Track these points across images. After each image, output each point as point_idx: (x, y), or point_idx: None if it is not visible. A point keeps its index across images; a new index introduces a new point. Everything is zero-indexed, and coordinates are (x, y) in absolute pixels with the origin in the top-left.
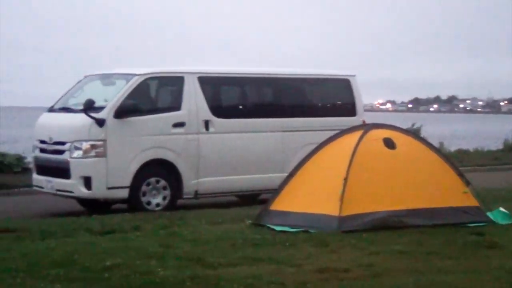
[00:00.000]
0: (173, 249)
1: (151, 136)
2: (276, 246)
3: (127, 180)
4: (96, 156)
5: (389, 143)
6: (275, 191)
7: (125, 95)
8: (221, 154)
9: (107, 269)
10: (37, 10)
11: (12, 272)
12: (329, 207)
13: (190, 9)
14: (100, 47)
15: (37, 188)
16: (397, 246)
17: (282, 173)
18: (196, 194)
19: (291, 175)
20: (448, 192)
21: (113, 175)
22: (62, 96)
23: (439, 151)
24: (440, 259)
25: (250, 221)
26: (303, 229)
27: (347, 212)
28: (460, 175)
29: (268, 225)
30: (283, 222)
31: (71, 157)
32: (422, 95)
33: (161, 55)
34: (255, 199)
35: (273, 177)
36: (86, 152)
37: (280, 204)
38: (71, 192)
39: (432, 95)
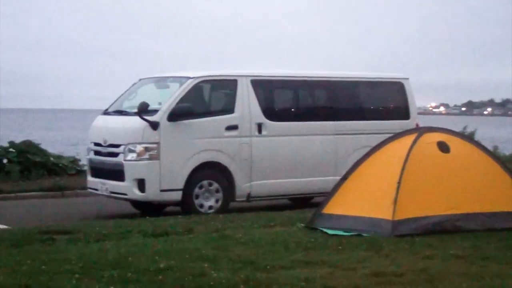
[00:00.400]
0: (226, 252)
1: (204, 139)
2: (329, 250)
3: (180, 183)
4: (150, 158)
5: (443, 147)
6: (328, 195)
7: (179, 98)
8: (274, 157)
9: (160, 271)
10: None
11: (68, 273)
12: (382, 211)
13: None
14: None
15: (91, 190)
16: (452, 251)
17: (335, 176)
18: (249, 197)
19: (344, 178)
20: (502, 196)
21: (166, 177)
22: (117, 99)
23: (493, 155)
24: (496, 264)
25: (302, 224)
26: (356, 233)
27: (401, 216)
28: None
29: (320, 229)
30: (336, 225)
31: (125, 160)
32: (476, 98)
33: (208, 58)
34: (307, 202)
35: (326, 180)
36: (140, 154)
37: (333, 208)
38: (125, 194)
39: (485, 98)
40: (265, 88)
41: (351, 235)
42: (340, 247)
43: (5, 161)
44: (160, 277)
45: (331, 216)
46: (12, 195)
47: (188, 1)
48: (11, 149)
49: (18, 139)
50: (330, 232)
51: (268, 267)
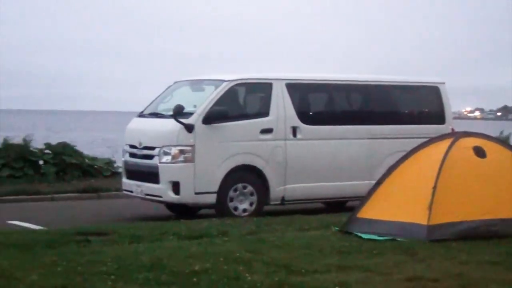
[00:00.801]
0: (260, 255)
1: (239, 142)
2: (363, 254)
3: (215, 186)
4: (184, 161)
5: (479, 152)
6: (363, 199)
7: (214, 101)
8: (309, 160)
9: (195, 274)
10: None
11: (103, 275)
12: (417, 215)
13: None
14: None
15: (126, 192)
16: (488, 256)
17: (370, 181)
18: (283, 200)
19: (379, 182)
20: None
21: (201, 180)
22: (152, 102)
23: None
24: None
25: (337, 228)
26: (391, 238)
27: (436, 221)
28: None
29: (355, 233)
30: (371, 230)
31: (160, 162)
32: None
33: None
34: (342, 206)
35: (361, 185)
36: (175, 157)
37: (368, 212)
38: (159, 196)
39: None
40: (300, 92)
41: (386, 240)
42: (374, 252)
43: (41, 162)
44: (195, 279)
45: (365, 220)
46: (48, 196)
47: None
48: (47, 151)
49: (45, 140)
50: (364, 236)
51: (303, 271)
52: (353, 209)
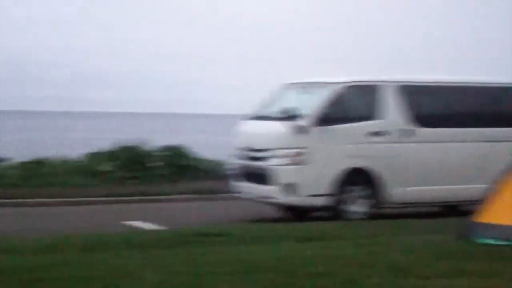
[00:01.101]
0: (377, 258)
1: (351, 145)
2: (482, 259)
3: (328, 188)
4: (297, 163)
5: None
6: (480, 203)
7: (326, 103)
8: (423, 163)
9: (313, 276)
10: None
11: (222, 275)
12: None
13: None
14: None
15: (239, 194)
16: None
17: (485, 184)
18: (397, 203)
19: (495, 186)
20: None
21: (314, 182)
22: (262, 104)
23: None
24: None
25: (454, 233)
26: (509, 243)
27: None
28: None
29: (472, 237)
30: (489, 234)
31: (272, 164)
32: None
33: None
34: (457, 210)
35: (476, 188)
36: (287, 159)
37: (485, 216)
38: (272, 198)
39: None
40: (413, 94)
41: (504, 245)
42: (492, 257)
43: (156, 164)
44: (313, 282)
45: (482, 224)
46: (163, 197)
47: None
48: (162, 153)
49: (158, 142)
50: (481, 241)
51: (422, 275)
52: (470, 213)
